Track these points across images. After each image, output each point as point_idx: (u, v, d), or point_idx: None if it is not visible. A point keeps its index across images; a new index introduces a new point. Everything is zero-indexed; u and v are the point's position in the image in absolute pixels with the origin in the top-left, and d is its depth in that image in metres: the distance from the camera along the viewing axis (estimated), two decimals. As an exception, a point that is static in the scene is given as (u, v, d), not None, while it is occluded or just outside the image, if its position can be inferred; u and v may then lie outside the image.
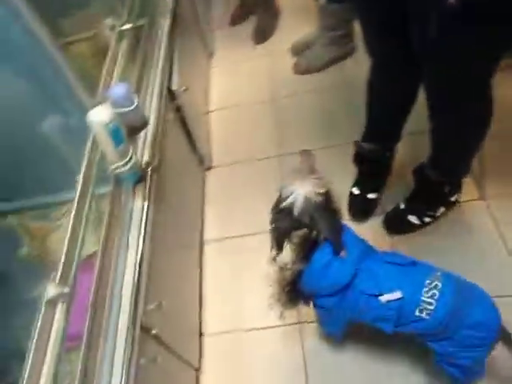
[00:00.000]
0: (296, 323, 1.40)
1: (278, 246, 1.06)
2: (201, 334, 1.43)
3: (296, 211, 1.00)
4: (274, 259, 1.11)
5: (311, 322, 1.38)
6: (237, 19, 2.48)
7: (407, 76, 1.26)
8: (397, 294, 1.00)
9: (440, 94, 1.16)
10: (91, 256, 1.02)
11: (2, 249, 1.08)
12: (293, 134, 1.89)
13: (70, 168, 1.22)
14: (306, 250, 1.07)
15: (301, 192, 1.00)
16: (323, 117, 1.92)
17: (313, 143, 1.81)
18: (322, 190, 1.00)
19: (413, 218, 1.45)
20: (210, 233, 1.68)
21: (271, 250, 1.07)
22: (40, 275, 1.09)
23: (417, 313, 0.99)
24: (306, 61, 2.10)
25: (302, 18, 2.23)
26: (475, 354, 1.01)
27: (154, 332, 1.03)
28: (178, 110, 1.53)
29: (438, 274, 1.02)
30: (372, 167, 1.55)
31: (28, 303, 1.08)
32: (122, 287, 0.97)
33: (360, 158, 1.56)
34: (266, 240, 1.56)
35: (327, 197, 1.03)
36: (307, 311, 1.32)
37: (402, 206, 1.49)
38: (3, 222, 1.12)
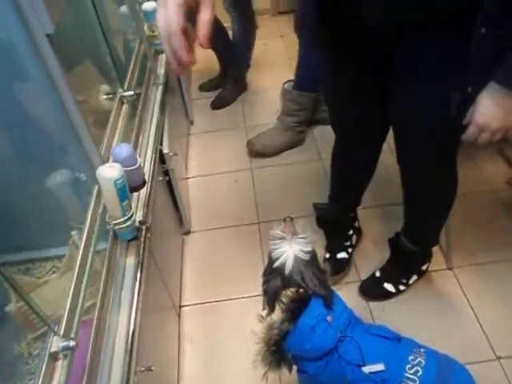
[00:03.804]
0: (277, 390, 1.38)
1: (270, 306, 1.08)
2: (178, 404, 1.37)
3: (287, 270, 1.04)
4: (263, 317, 1.12)
5: (292, 389, 1.37)
6: (205, 87, 2.69)
7: (366, 153, 1.41)
8: (379, 366, 1.01)
9: (412, 164, 1.28)
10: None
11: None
12: (270, 203, 1.97)
13: (57, 224, 1.21)
14: (295, 310, 1.09)
15: (290, 252, 1.05)
16: (298, 186, 2.03)
17: (289, 211, 1.89)
18: (309, 249, 1.06)
19: (388, 286, 1.53)
20: (187, 297, 1.66)
21: (263, 310, 1.09)
22: (23, 332, 1.04)
23: None
24: (261, 142, 2.19)
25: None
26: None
27: (143, 398, 0.99)
28: (166, 173, 1.58)
29: (422, 350, 1.04)
30: (336, 227, 1.64)
31: (8, 363, 1.02)
32: (114, 348, 0.94)
33: (322, 220, 1.66)
34: (243, 306, 1.59)
35: (314, 255, 1.08)
36: (289, 378, 1.31)
37: (378, 274, 1.56)
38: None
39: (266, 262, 1.12)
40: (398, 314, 1.50)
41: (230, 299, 1.64)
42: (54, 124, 0.98)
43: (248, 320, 1.16)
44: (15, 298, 0.99)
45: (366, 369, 1.03)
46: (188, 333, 1.55)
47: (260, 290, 1.14)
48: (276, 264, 1.06)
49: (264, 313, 1.12)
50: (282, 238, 1.08)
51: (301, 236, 1.08)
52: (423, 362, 1.02)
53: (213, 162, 2.22)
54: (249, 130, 2.38)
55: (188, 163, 2.22)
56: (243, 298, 1.63)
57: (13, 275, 1.14)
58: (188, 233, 1.88)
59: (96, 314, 0.92)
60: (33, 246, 1.23)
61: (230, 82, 2.56)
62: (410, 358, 1.02)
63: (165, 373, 1.33)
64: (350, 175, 1.53)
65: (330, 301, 1.07)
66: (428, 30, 0.93)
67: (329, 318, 1.06)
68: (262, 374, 1.15)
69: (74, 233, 1.08)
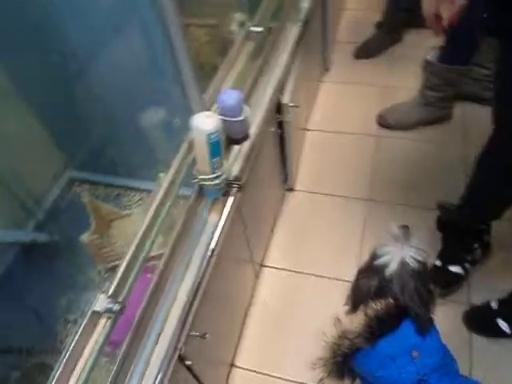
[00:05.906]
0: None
1: (355, 305, 0.92)
2: (232, 365, 1.33)
3: (388, 272, 0.86)
4: (339, 320, 0.98)
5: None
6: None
7: None
8: None
9: None
10: (148, 259, 0.95)
11: (70, 225, 1.05)
12: (387, 181, 1.73)
13: (152, 159, 1.16)
14: (376, 328, 0.92)
15: (398, 254, 0.86)
16: (426, 171, 1.73)
17: (408, 198, 1.64)
18: (421, 259, 0.86)
19: (503, 325, 1.24)
20: (271, 258, 1.57)
21: (345, 305, 0.93)
22: (96, 261, 1.05)
23: None
24: (394, 116, 1.89)
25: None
26: None
27: (188, 363, 0.94)
28: (280, 125, 1.43)
29: None
30: (459, 235, 1.36)
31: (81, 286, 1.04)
32: (171, 305, 0.88)
33: (445, 224, 1.38)
34: (326, 286, 1.45)
35: (424, 269, 0.88)
36: (351, 384, 1.18)
37: (494, 306, 1.27)
38: (76, 196, 1.08)
39: (367, 258, 0.94)
40: (506, 363, 1.22)
41: (315, 275, 1.51)
42: (157, 62, 0.88)
43: (327, 305, 1.01)
44: (93, 227, 0.98)
45: (446, 431, 0.84)
46: (262, 296, 1.48)
47: (348, 276, 0.99)
48: (377, 262, 0.88)
49: (345, 309, 0.96)
50: (395, 238, 0.89)
51: (415, 245, 0.88)
52: None
53: (338, 118, 1.99)
54: (388, 90, 2.07)
55: (311, 113, 2.02)
56: (329, 278, 1.49)
57: (102, 201, 1.14)
58: (291, 190, 1.75)
59: (159, 269, 0.87)
60: (129, 175, 1.21)
61: (383, 29, 2.21)
62: None
63: (227, 329, 1.29)
64: (502, 186, 1.20)
65: (425, 326, 0.88)
66: None
67: (414, 354, 0.87)
68: (320, 377, 1.03)
69: (161, 175, 1.01)
